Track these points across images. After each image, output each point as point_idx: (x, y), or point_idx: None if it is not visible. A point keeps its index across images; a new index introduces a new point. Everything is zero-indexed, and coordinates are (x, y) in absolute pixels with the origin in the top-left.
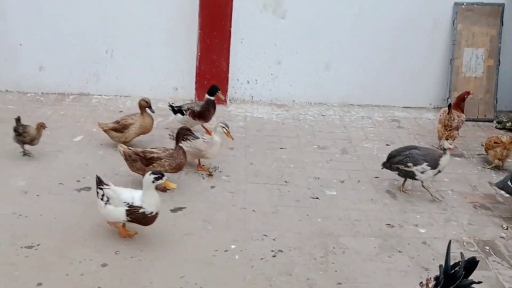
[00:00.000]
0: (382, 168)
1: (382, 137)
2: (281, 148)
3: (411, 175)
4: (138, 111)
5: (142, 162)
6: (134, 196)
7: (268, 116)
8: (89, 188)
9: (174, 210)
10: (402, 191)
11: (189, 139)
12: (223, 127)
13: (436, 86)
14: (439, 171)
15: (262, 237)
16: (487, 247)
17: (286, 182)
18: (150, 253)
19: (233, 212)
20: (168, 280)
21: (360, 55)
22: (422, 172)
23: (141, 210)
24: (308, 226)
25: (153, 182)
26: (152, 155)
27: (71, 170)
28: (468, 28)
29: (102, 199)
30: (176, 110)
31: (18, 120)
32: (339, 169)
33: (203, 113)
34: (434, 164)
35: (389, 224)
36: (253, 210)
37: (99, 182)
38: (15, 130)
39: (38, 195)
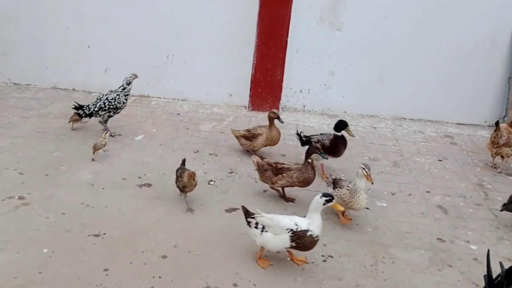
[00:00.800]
0: (502, 210)
1: (434, 152)
2: None
3: None
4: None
5: (272, 171)
6: (297, 221)
7: (319, 125)
8: (149, 185)
9: (229, 211)
10: None
11: (337, 187)
12: (364, 169)
13: (492, 104)
14: None
15: None
16: None
17: None
18: (206, 249)
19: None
20: (224, 275)
21: (414, 69)
22: None
23: (308, 233)
24: (358, 235)
25: (324, 204)
26: (283, 165)
27: (134, 167)
28: None
29: (256, 227)
30: (305, 141)
31: (183, 162)
32: (390, 181)
33: (333, 149)
34: None
35: (440, 239)
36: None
37: (247, 212)
38: (176, 171)
39: (103, 188)
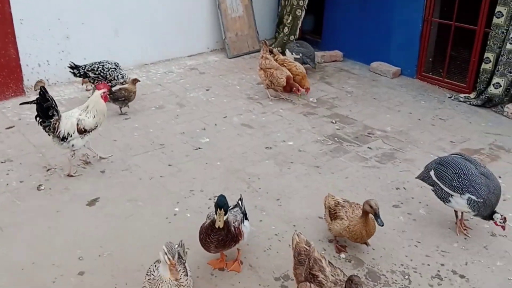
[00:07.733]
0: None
1: (198, 84)
2: None
3: None
4: None
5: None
6: None
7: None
8: None
9: None
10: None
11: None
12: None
13: (210, 31)
14: None
15: None
16: None
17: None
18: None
19: None
20: None
21: (146, 18)
22: None
23: None
24: None
25: None
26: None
27: None
28: None
29: None
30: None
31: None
32: (190, 121)
33: None
34: None
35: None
36: None
37: None
38: None
39: None
